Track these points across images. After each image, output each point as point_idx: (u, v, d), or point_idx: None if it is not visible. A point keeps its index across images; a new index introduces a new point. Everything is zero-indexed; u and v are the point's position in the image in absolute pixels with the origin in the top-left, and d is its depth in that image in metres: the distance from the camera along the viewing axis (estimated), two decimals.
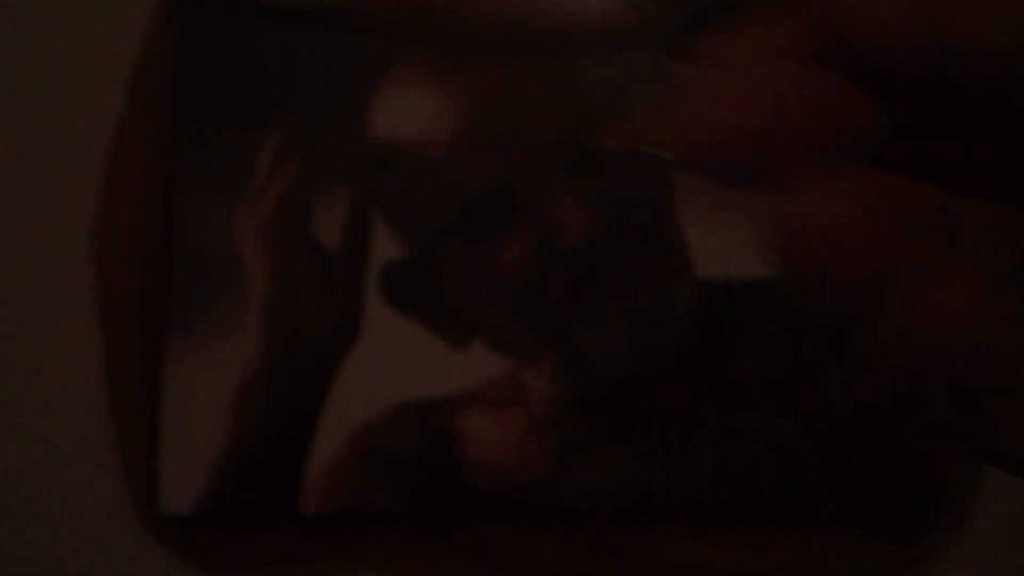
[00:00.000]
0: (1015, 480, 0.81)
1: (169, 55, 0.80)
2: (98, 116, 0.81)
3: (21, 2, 0.82)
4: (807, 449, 0.77)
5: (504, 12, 0.79)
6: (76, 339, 0.81)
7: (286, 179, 0.75)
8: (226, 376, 0.77)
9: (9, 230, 0.81)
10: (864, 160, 0.26)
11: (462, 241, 0.76)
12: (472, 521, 0.79)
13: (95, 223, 0.80)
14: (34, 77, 0.82)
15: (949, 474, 0.79)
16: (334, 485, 0.78)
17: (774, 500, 0.78)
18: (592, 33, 0.79)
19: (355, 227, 0.77)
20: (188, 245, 0.79)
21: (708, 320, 0.78)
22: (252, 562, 0.79)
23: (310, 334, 0.76)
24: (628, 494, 0.78)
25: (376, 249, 0.78)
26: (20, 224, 0.81)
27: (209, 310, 0.78)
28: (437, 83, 0.76)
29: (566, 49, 0.79)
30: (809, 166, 0.26)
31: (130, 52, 0.81)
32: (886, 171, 0.26)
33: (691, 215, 0.79)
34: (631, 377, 0.78)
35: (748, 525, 0.79)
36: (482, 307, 0.77)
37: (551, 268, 0.74)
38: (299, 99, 0.79)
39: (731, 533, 0.79)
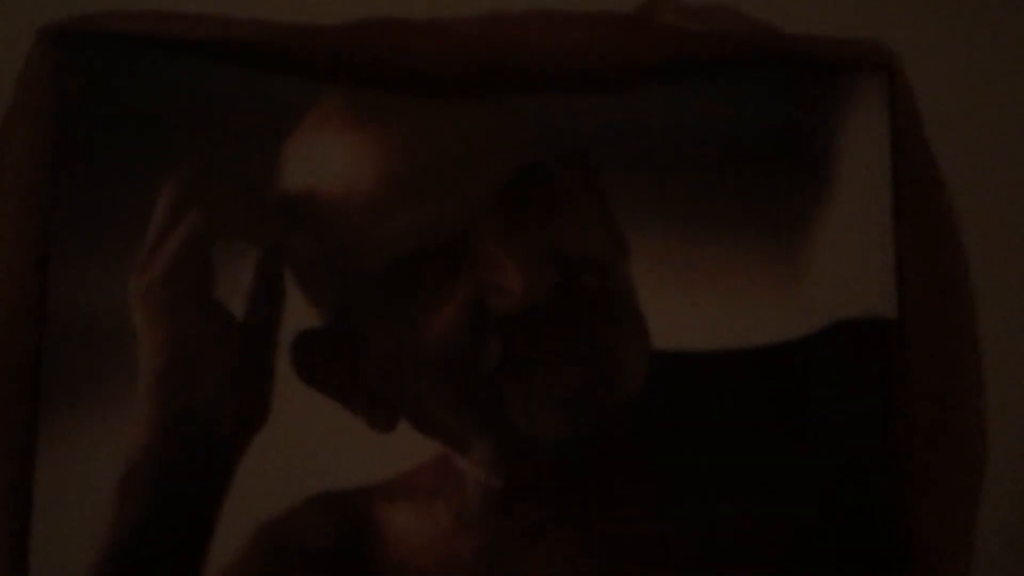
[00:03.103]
0: (990, 551, 0.77)
1: (48, 97, 0.75)
2: None
3: None
4: (770, 532, 0.73)
5: (435, 50, 0.75)
6: None
7: (184, 234, 0.69)
8: (109, 460, 0.71)
9: None
10: None
11: (386, 307, 0.71)
12: None
13: None
14: None
15: (919, 547, 0.75)
16: None
17: None
18: (535, 75, 0.75)
19: (265, 290, 0.72)
20: (66, 309, 0.73)
21: (663, 396, 0.73)
22: None
23: (210, 414, 0.70)
24: None
25: (289, 317, 0.73)
26: None
27: (90, 383, 0.73)
28: (359, 127, 0.71)
29: (505, 91, 0.75)
30: None
31: (3, 94, 0.76)
32: None
33: (648, 278, 0.74)
34: (576, 461, 0.72)
35: None
36: (408, 382, 0.71)
37: (486, 336, 0.69)
38: (201, 143, 0.74)
39: None
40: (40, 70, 0.74)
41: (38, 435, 0.72)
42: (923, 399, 0.75)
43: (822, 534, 0.73)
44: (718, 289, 0.75)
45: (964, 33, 0.83)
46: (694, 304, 0.75)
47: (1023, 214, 0.82)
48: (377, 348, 0.71)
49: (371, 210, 0.70)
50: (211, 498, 0.70)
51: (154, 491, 0.69)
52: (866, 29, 0.80)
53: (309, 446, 0.73)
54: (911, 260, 0.77)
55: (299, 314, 0.73)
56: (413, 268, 0.69)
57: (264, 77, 0.73)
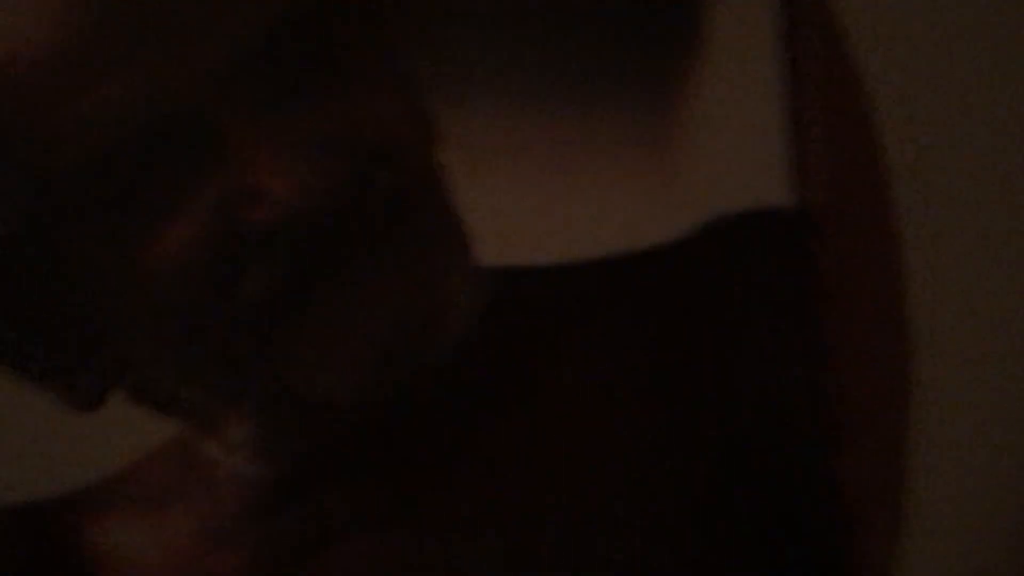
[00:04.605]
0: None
1: None
2: None
3: None
4: (673, 526, 0.62)
5: None
6: None
7: None
8: None
9: None
10: None
11: (92, 216, 0.60)
12: None
13: None
14: None
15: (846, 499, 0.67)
16: None
17: None
18: None
19: None
20: None
21: (501, 333, 0.64)
22: None
23: None
24: None
25: None
26: None
27: None
28: None
29: None
30: None
31: None
32: None
33: (468, 170, 0.66)
34: (379, 435, 0.62)
35: None
36: (127, 330, 0.61)
37: (239, 262, 0.59)
38: None
39: None
40: None
41: None
42: (836, 316, 0.69)
43: (738, 523, 0.63)
44: (563, 180, 0.69)
45: None
46: (532, 202, 0.69)
47: (935, 68, 0.74)
48: (79, 278, 0.61)
49: (63, 76, 0.59)
50: None
51: None
52: None
53: None
54: (811, 133, 0.72)
55: None
56: (132, 159, 0.58)
57: None
